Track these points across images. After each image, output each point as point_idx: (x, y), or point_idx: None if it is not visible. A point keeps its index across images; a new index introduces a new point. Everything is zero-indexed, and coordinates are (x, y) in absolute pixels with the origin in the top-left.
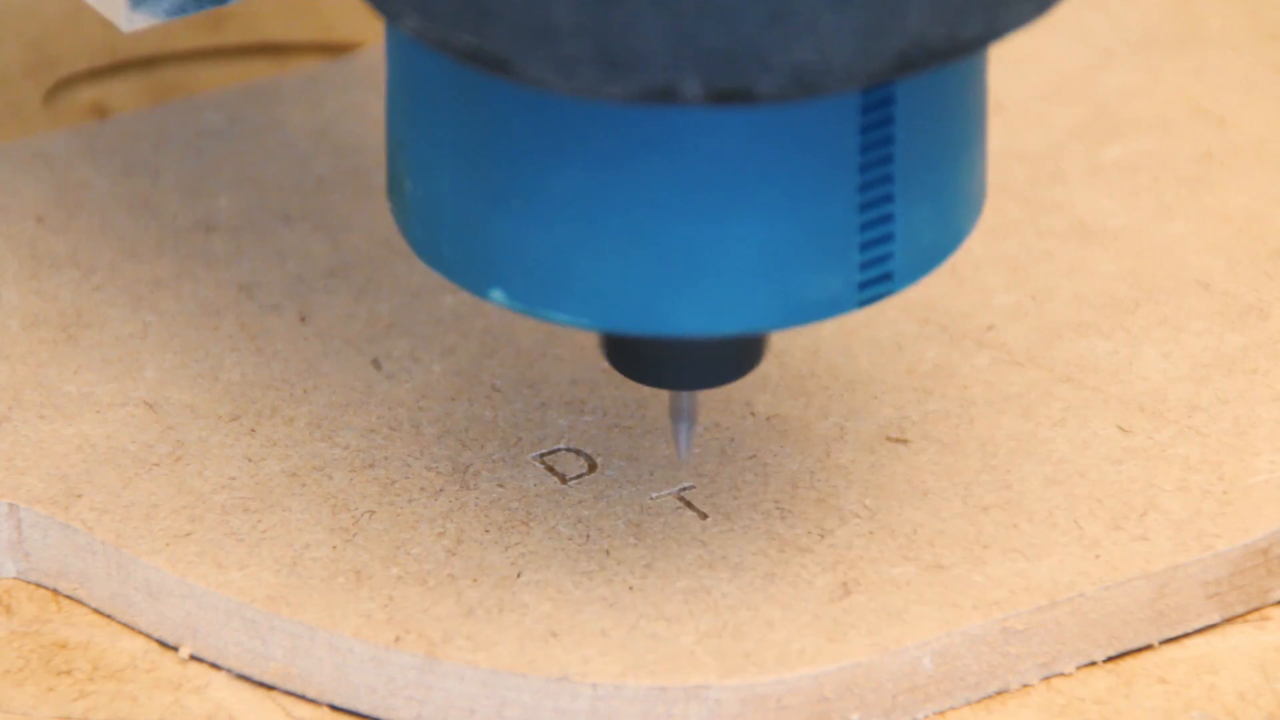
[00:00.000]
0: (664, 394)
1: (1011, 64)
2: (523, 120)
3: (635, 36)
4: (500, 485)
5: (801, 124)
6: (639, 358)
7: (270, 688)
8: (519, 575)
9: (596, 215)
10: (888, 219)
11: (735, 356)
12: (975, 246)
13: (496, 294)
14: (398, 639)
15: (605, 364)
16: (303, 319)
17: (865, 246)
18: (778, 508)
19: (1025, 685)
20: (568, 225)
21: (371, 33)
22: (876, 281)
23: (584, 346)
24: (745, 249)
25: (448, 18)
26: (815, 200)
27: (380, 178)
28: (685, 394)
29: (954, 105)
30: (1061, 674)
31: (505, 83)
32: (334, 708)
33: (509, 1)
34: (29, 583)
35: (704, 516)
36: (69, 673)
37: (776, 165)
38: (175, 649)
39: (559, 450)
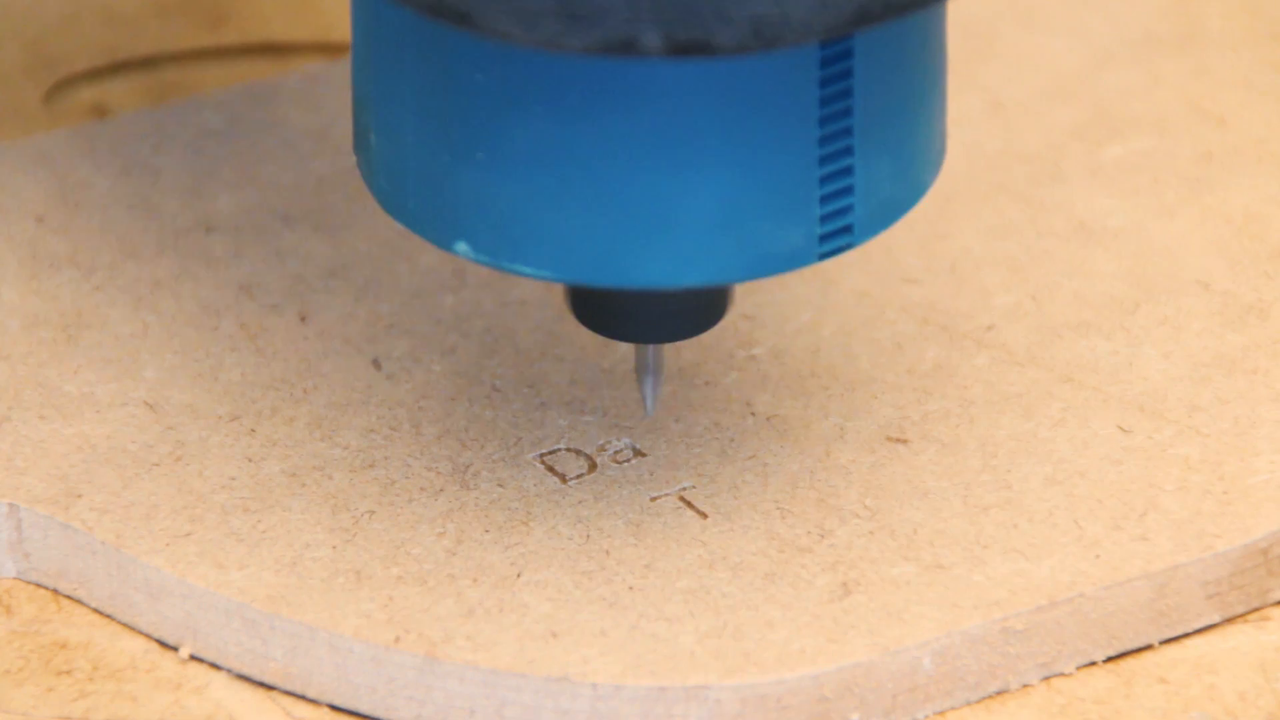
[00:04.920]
0: (663, 394)
1: (1011, 64)
2: (485, 73)
3: None
4: (500, 485)
5: (761, 77)
6: (603, 311)
7: (270, 688)
8: (519, 575)
9: (559, 168)
10: (848, 171)
11: (699, 309)
12: (975, 246)
13: (461, 247)
14: (398, 639)
15: (605, 364)
16: (303, 319)
17: (826, 199)
18: (778, 508)
19: (1025, 685)
20: (531, 178)
21: None
22: (837, 234)
23: (584, 346)
24: (706, 201)
25: None
26: (775, 153)
27: None
28: (650, 347)
29: (913, 58)
30: (1061, 674)
31: (467, 36)
32: (334, 708)
33: None
34: (29, 583)
35: (704, 516)
36: (69, 673)
37: (737, 118)
38: (175, 649)
39: (559, 450)
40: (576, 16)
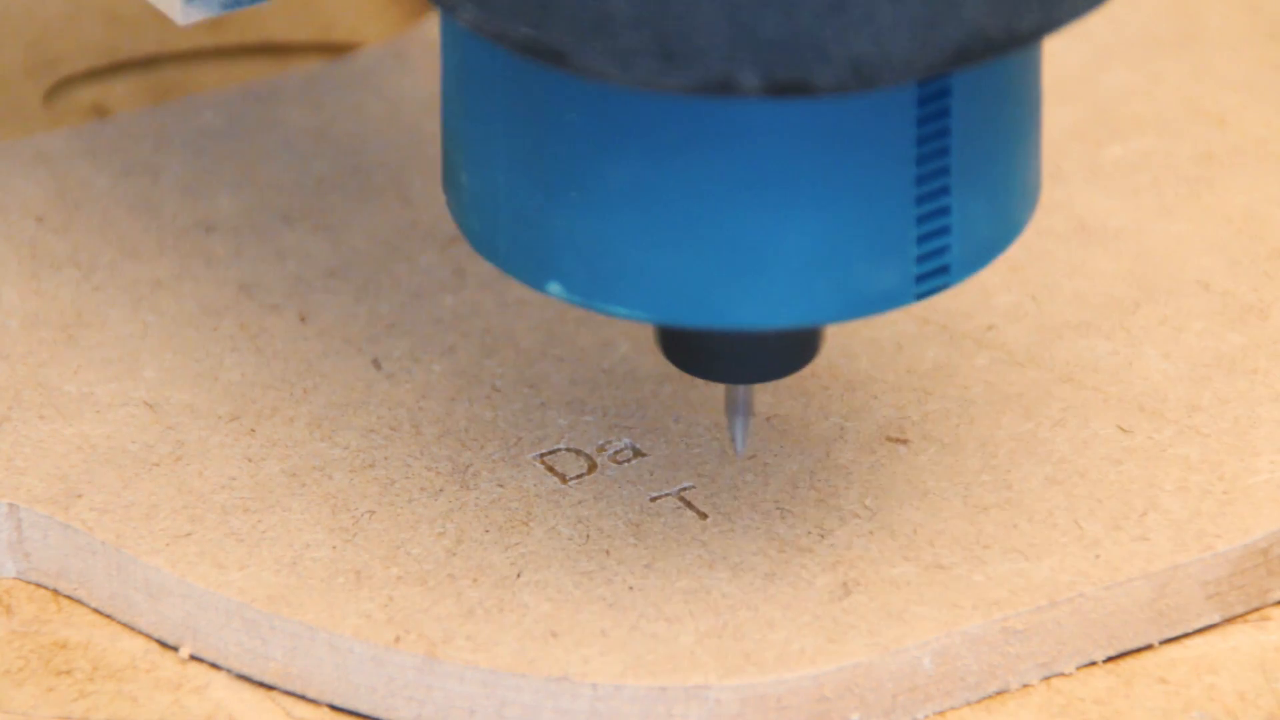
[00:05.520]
0: (663, 394)
1: None
2: (580, 112)
3: (693, 28)
4: (500, 485)
5: (858, 116)
6: (695, 351)
7: (270, 688)
8: (519, 575)
9: (654, 208)
10: (944, 211)
11: (791, 350)
12: None
13: (554, 287)
14: (398, 639)
15: (605, 364)
16: (303, 319)
17: (922, 239)
18: (778, 508)
19: (1025, 685)
20: (625, 218)
21: (371, 33)
22: (934, 274)
23: (584, 346)
24: (802, 242)
25: (505, 9)
26: (872, 193)
27: (380, 177)
28: (741, 387)
29: (1009, 97)
30: (1061, 674)
31: (562, 75)
32: (334, 708)
33: None
34: (29, 583)
35: (704, 516)
36: (69, 673)
37: (833, 158)
38: (175, 649)
39: (559, 450)
40: (674, 56)
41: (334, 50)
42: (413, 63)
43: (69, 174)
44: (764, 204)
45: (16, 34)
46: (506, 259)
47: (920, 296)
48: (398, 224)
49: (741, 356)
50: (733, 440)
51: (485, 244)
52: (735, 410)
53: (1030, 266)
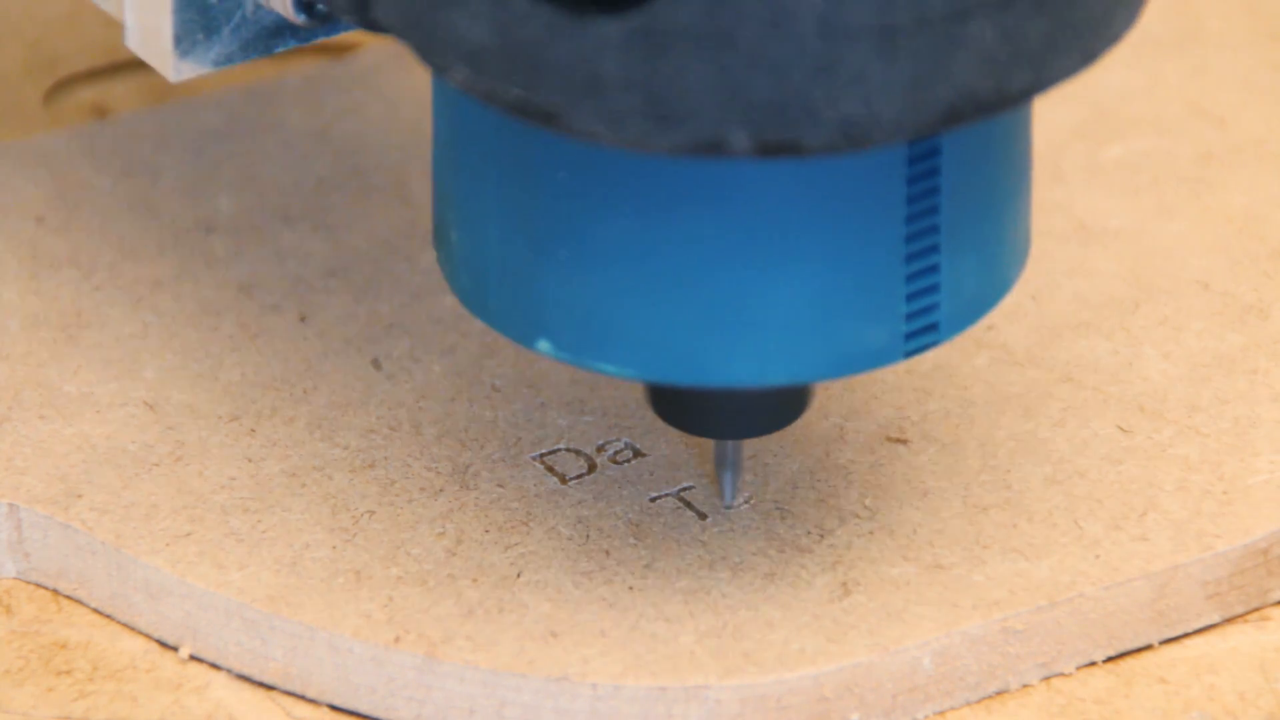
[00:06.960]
0: None
1: None
2: (570, 172)
3: (684, 89)
4: (500, 485)
5: (848, 176)
6: (684, 407)
7: (270, 688)
8: (519, 575)
9: (643, 267)
10: (933, 270)
11: (780, 406)
12: None
13: (543, 345)
14: (398, 639)
15: None
16: (303, 319)
17: (911, 297)
18: (778, 508)
19: (1025, 685)
20: (615, 277)
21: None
22: (923, 332)
23: None
24: (792, 300)
25: (496, 71)
26: (861, 252)
27: (380, 177)
28: (730, 443)
29: (999, 156)
30: (1061, 674)
31: (553, 135)
32: (334, 708)
33: (558, 54)
34: (29, 583)
35: (704, 517)
36: (69, 673)
37: (823, 217)
38: (175, 649)
39: (559, 450)
40: (664, 117)
41: (334, 50)
42: (412, 63)
43: (69, 174)
44: (754, 263)
45: (16, 34)
46: (496, 316)
47: (909, 354)
48: (398, 224)
49: (730, 413)
50: (721, 492)
51: (475, 301)
52: (724, 464)
53: (1030, 266)
